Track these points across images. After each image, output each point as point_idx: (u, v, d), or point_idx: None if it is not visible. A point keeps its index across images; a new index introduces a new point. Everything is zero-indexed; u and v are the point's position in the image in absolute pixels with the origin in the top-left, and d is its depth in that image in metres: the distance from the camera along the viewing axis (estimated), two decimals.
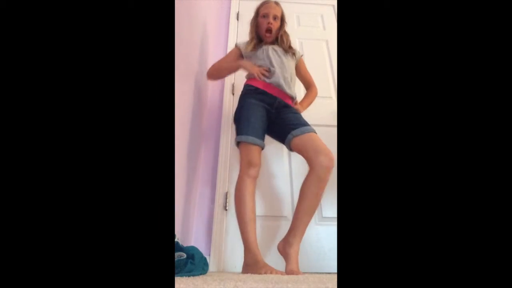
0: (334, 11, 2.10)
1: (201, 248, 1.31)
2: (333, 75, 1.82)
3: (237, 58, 1.34)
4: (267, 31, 1.32)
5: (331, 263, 1.32)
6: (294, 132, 1.12)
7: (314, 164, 1.03)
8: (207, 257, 1.24)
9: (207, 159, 1.55)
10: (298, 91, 1.43)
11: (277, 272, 0.90)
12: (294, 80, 1.32)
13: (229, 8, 2.06)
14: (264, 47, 1.30)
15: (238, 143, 1.15)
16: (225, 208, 1.41)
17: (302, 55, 1.42)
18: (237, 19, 2.00)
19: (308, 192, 1.03)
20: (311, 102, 1.39)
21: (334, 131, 1.60)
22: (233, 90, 1.73)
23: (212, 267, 1.28)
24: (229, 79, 1.75)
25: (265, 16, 1.34)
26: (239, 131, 1.14)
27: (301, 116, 1.20)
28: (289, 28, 1.96)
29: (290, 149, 1.16)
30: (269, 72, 1.21)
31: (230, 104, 1.68)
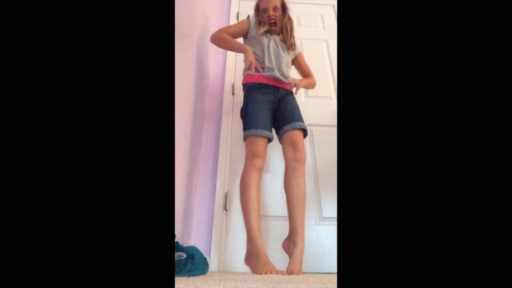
0: (334, 11, 2.10)
1: (201, 248, 1.31)
2: (333, 75, 1.82)
3: (244, 32, 1.34)
4: (272, 25, 1.32)
5: (331, 263, 1.32)
6: (285, 128, 1.19)
7: (287, 157, 1.13)
8: (207, 257, 1.24)
9: (207, 159, 1.55)
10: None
11: (277, 271, 0.90)
12: (289, 68, 1.34)
13: (229, 8, 2.06)
14: (270, 37, 1.31)
15: (245, 139, 1.16)
16: (225, 208, 1.41)
17: (300, 52, 1.43)
18: (237, 19, 2.00)
19: (289, 185, 1.08)
20: (310, 83, 1.42)
21: (334, 131, 1.60)
22: (233, 90, 1.72)
23: (212, 267, 1.28)
24: (229, 79, 1.75)
25: (265, 10, 1.34)
26: (247, 126, 1.15)
27: (296, 109, 1.25)
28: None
29: (281, 143, 1.22)
30: (263, 68, 1.24)
31: (230, 104, 1.68)
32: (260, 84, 1.21)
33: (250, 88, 1.22)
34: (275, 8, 1.33)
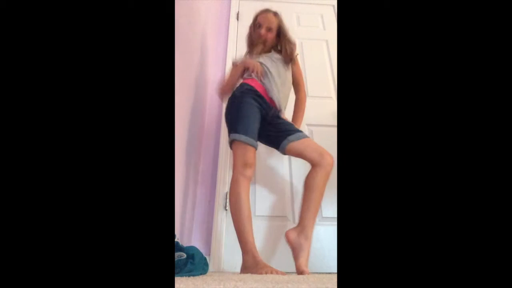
0: (334, 11, 2.10)
1: (201, 248, 1.31)
2: (333, 75, 1.82)
3: (240, 72, 1.31)
4: (260, 42, 1.33)
5: (331, 263, 1.32)
6: (290, 138, 1.16)
7: (321, 162, 1.09)
8: (207, 257, 1.24)
9: (207, 159, 1.55)
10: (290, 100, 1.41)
11: (277, 272, 0.90)
12: (288, 93, 1.32)
13: (229, 8, 2.06)
14: (264, 55, 1.30)
15: (231, 141, 1.13)
16: (225, 208, 1.41)
17: (297, 54, 1.41)
18: (237, 19, 2.00)
19: (317, 184, 1.07)
20: (303, 114, 1.41)
21: (334, 131, 1.60)
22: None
23: (212, 267, 1.28)
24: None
25: (260, 26, 1.34)
26: (236, 129, 1.11)
27: (292, 124, 1.25)
28: (289, 28, 1.97)
29: (284, 153, 1.20)
30: (263, 76, 1.23)
31: None
32: (256, 91, 1.19)
33: (244, 90, 1.19)
34: (268, 29, 1.33)
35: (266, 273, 0.89)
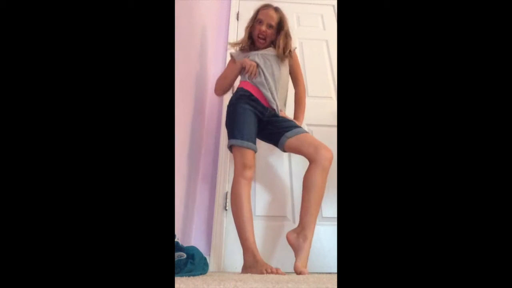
0: (334, 11, 2.10)
1: (201, 248, 1.31)
2: (333, 75, 1.82)
3: (238, 69, 1.33)
4: (260, 38, 1.34)
5: (331, 263, 1.31)
6: (288, 134, 1.17)
7: (317, 157, 1.08)
8: (207, 257, 1.24)
9: (207, 159, 1.55)
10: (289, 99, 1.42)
11: (278, 270, 0.90)
12: (285, 90, 1.33)
13: (229, 8, 2.06)
14: (258, 52, 1.31)
15: (231, 147, 1.16)
16: (225, 208, 1.41)
17: (295, 48, 1.40)
18: (237, 19, 2.00)
19: (315, 183, 1.05)
20: (304, 108, 1.40)
21: (334, 131, 1.60)
22: (233, 90, 1.72)
23: (212, 267, 1.28)
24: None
25: (260, 22, 1.34)
26: (233, 135, 1.15)
27: (291, 120, 1.25)
28: (289, 28, 1.97)
29: (284, 150, 1.21)
30: (255, 77, 1.24)
31: None
32: (251, 95, 1.21)
33: (239, 97, 1.22)
34: (269, 26, 1.33)
35: (265, 270, 0.89)
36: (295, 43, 1.92)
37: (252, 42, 1.37)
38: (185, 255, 0.69)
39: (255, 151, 1.15)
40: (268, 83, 1.23)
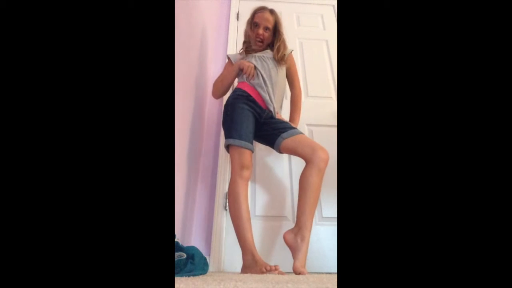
0: (334, 11, 2.10)
1: (201, 248, 1.31)
2: (333, 75, 1.82)
3: (235, 71, 1.34)
4: (257, 41, 1.34)
5: (331, 263, 1.31)
6: (284, 135, 1.18)
7: (313, 158, 1.09)
8: (207, 257, 1.24)
9: (207, 159, 1.55)
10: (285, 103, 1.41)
11: (276, 267, 0.90)
12: (282, 92, 1.34)
13: (229, 8, 2.06)
14: (256, 54, 1.31)
15: (228, 146, 1.17)
16: (225, 208, 1.41)
17: (292, 50, 1.41)
18: (237, 19, 2.00)
19: (311, 183, 1.06)
20: (299, 110, 1.41)
21: (334, 131, 1.60)
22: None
23: (211, 267, 1.28)
24: None
25: (257, 25, 1.35)
26: (231, 134, 1.15)
27: (287, 122, 1.26)
28: (289, 28, 1.97)
29: (280, 151, 1.22)
30: (254, 79, 1.25)
31: None
32: (249, 96, 1.21)
33: (237, 96, 1.22)
34: (266, 28, 1.34)
35: (265, 269, 0.89)
36: (295, 43, 1.92)
37: (249, 45, 1.38)
38: (185, 255, 0.69)
39: (253, 151, 1.16)
40: (265, 85, 1.24)
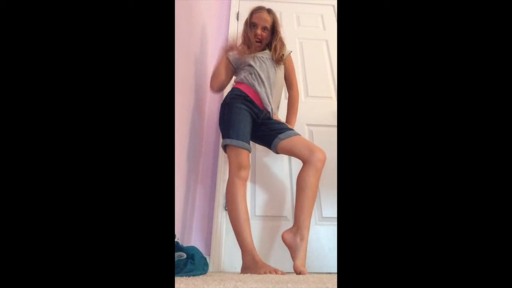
0: (334, 11, 2.10)
1: (201, 248, 1.31)
2: (333, 75, 1.82)
3: (229, 64, 1.34)
4: (256, 41, 1.35)
5: (331, 263, 1.32)
6: (281, 136, 1.19)
7: (311, 158, 1.10)
8: (207, 257, 1.24)
9: (207, 159, 1.55)
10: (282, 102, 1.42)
11: (276, 271, 0.90)
12: (280, 93, 1.34)
13: (229, 8, 2.06)
14: (253, 54, 1.32)
15: (225, 146, 1.16)
16: (225, 208, 1.41)
17: (290, 51, 1.40)
18: (237, 19, 2.00)
19: (309, 183, 1.07)
20: (296, 112, 1.41)
21: (334, 131, 1.60)
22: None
23: (211, 267, 1.28)
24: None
25: (255, 26, 1.35)
26: (228, 134, 1.15)
27: (283, 123, 1.27)
28: (289, 28, 1.97)
29: (276, 151, 1.22)
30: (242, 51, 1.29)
31: None
32: (246, 96, 1.21)
33: (235, 96, 1.22)
34: (264, 28, 1.34)
35: (265, 272, 0.89)
36: (295, 43, 1.92)
37: (248, 45, 1.37)
38: (185, 255, 0.69)
39: (250, 151, 1.15)
40: (263, 86, 1.24)
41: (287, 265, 1.08)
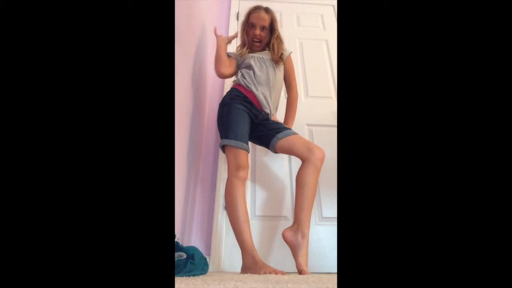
0: (334, 11, 2.10)
1: (201, 248, 1.31)
2: (333, 75, 1.82)
3: (226, 50, 1.33)
4: (255, 42, 1.34)
5: (331, 263, 1.32)
6: (279, 135, 1.19)
7: (310, 156, 1.10)
8: (207, 257, 1.24)
9: (207, 159, 1.55)
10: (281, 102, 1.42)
11: (276, 271, 0.90)
12: (278, 93, 1.33)
13: (229, 8, 2.06)
14: (254, 55, 1.31)
15: (223, 146, 1.16)
16: (225, 208, 1.41)
17: (291, 52, 1.39)
18: (237, 19, 2.00)
19: (308, 181, 1.07)
20: (295, 113, 1.40)
21: (334, 131, 1.60)
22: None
23: (211, 267, 1.28)
24: (228, 79, 1.74)
25: (253, 26, 1.34)
26: (227, 135, 1.15)
27: (281, 123, 1.27)
28: (289, 28, 1.97)
29: (275, 151, 1.22)
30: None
31: None
32: (245, 97, 1.21)
33: (233, 97, 1.22)
34: (262, 28, 1.34)
35: (265, 273, 0.89)
36: (295, 43, 1.92)
37: (247, 45, 1.37)
38: (185, 255, 0.69)
39: (248, 152, 1.16)
40: (262, 87, 1.24)
41: (287, 265, 1.09)
